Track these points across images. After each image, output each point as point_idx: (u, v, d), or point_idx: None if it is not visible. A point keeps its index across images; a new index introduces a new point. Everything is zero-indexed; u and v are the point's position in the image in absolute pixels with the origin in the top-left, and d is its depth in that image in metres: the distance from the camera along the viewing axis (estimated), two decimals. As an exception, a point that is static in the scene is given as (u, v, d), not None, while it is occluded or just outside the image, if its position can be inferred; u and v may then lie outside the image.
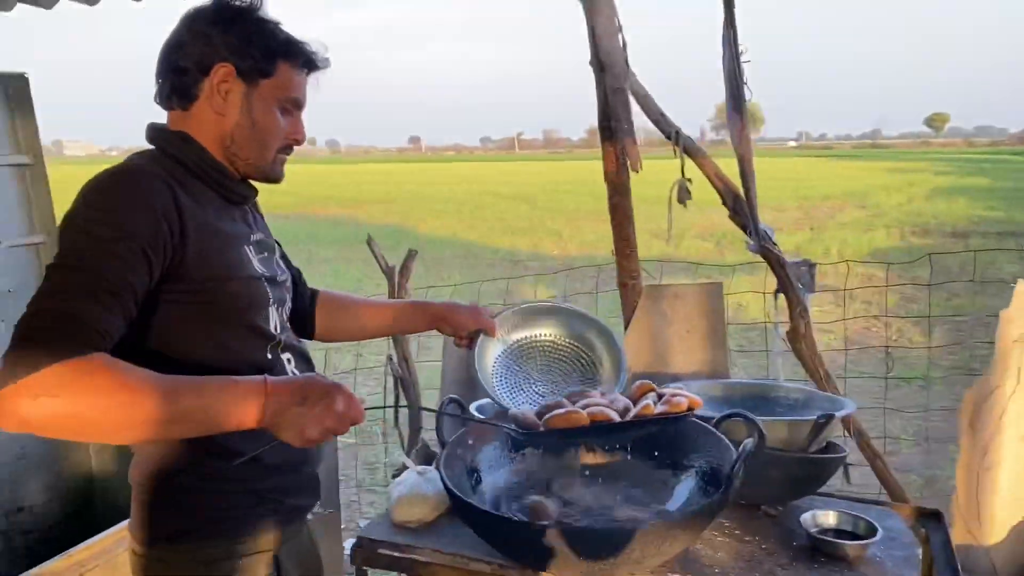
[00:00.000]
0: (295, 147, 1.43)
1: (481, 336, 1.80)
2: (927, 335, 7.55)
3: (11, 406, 1.01)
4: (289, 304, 1.52)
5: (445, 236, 16.35)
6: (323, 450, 1.53)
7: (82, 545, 1.61)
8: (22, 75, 2.52)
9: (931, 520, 1.91)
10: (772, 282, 2.35)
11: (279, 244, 1.65)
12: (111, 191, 1.20)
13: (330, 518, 2.23)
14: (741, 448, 1.48)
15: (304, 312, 1.69)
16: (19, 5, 2.57)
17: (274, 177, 1.42)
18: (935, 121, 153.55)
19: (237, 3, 1.33)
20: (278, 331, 1.41)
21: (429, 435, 3.30)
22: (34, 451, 2.52)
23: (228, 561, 1.32)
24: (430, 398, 3.53)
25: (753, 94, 1.97)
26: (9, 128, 2.49)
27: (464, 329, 1.79)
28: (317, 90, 1.44)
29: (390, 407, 2.80)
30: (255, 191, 1.46)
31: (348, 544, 1.98)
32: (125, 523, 1.71)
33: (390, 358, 2.80)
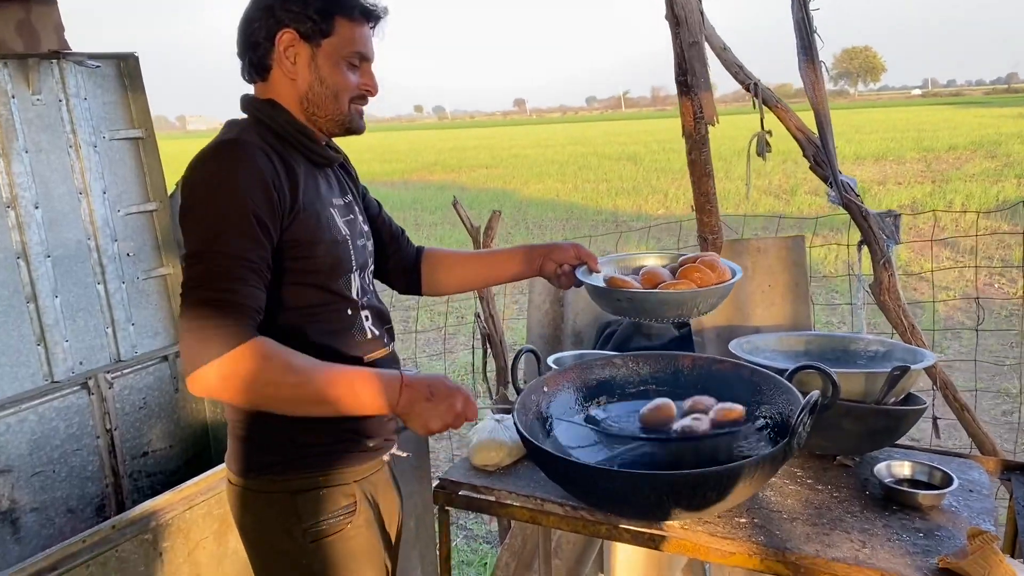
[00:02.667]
0: (370, 96, 1.51)
1: (582, 271, 1.79)
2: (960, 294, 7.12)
3: (204, 382, 1.23)
4: (372, 267, 1.62)
5: (548, 198, 16.37)
6: None
7: (191, 481, 1.77)
8: (133, 55, 2.71)
9: (1017, 472, 1.87)
10: (855, 235, 2.30)
11: (380, 204, 1.76)
12: (225, 166, 1.31)
13: (420, 464, 2.35)
14: (807, 399, 1.49)
15: (410, 268, 1.80)
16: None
17: (355, 128, 1.51)
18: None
19: None
20: (359, 294, 1.52)
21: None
22: (155, 402, 2.75)
23: (311, 491, 1.44)
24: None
25: (824, 43, 1.92)
26: (124, 104, 2.70)
27: (566, 262, 1.79)
28: (382, 39, 1.51)
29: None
30: (340, 154, 1.56)
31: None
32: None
33: (477, 315, 2.91)
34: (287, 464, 1.44)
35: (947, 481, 1.69)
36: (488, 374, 3.05)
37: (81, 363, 2.56)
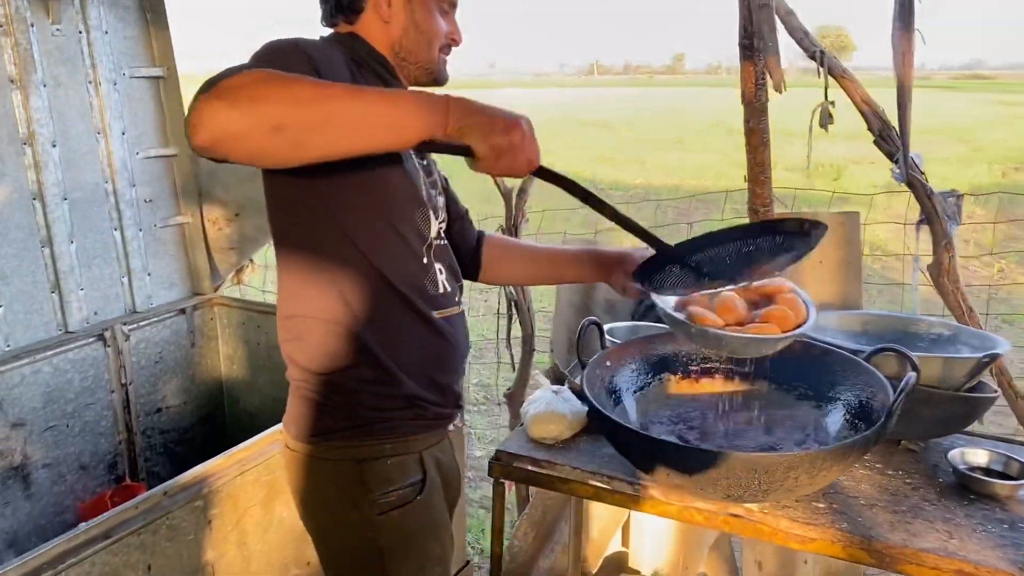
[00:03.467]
0: (455, 45, 1.44)
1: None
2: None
3: (202, 111, 1.01)
4: (444, 220, 1.53)
5: (525, 162, 16.18)
6: (464, 365, 1.55)
7: (242, 445, 1.68)
8: (156, -14, 2.55)
9: (1083, 464, 1.85)
10: (912, 215, 2.25)
11: (447, 178, 1.65)
12: (298, 41, 1.21)
13: (457, 432, 2.28)
14: (904, 382, 1.44)
15: (470, 252, 1.70)
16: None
17: (442, 78, 1.43)
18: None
19: None
20: (432, 234, 1.43)
21: (542, 357, 3.34)
22: (170, 356, 2.64)
23: (377, 460, 1.36)
24: (542, 321, 3.59)
25: (924, 7, 1.83)
26: (146, 40, 2.53)
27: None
28: None
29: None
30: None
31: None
32: (278, 425, 1.79)
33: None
34: (354, 430, 1.36)
35: (1023, 472, 1.66)
36: (512, 344, 2.97)
37: (96, 313, 2.43)
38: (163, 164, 2.62)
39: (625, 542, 2.73)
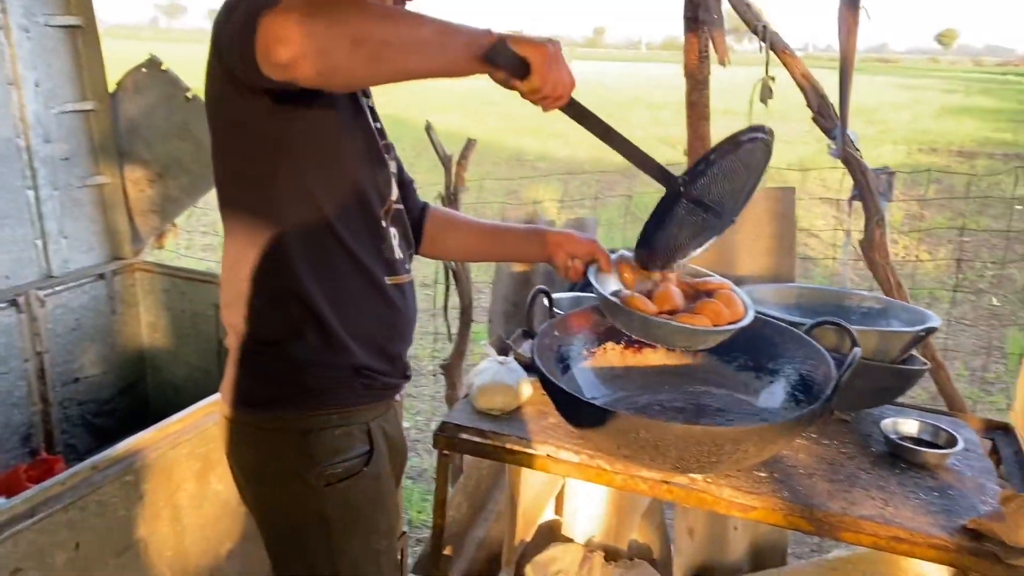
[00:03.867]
0: None
1: (593, 270, 1.68)
2: (932, 253, 7.60)
3: (281, 27, 0.99)
4: (396, 187, 1.48)
5: (450, 131, 16.01)
6: (413, 335, 1.52)
7: (175, 417, 1.61)
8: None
9: (1000, 432, 1.94)
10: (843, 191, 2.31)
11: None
12: None
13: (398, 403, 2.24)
14: (851, 357, 1.48)
15: (414, 223, 1.63)
16: None
17: None
18: (944, 37, 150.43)
19: None
20: (392, 196, 1.40)
21: (477, 328, 3.31)
22: (89, 324, 2.50)
23: (324, 431, 1.33)
24: (481, 294, 3.55)
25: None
26: (61, -15, 2.37)
27: (579, 256, 1.67)
28: None
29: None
30: None
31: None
32: (213, 397, 1.72)
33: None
34: (300, 400, 1.32)
35: (951, 441, 1.72)
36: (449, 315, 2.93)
37: (7, 277, 2.28)
38: (80, 120, 2.46)
39: (559, 511, 2.75)
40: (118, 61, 2.82)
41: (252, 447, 1.35)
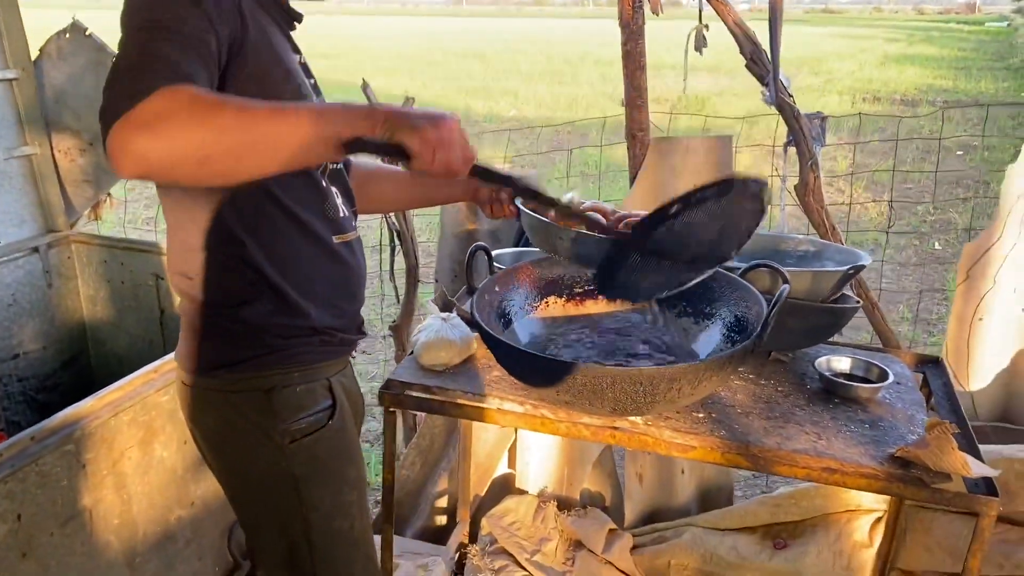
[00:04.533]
0: None
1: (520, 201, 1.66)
2: (877, 199, 7.75)
3: (125, 143, 0.98)
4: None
5: (398, 94, 15.77)
6: (364, 290, 1.52)
7: (115, 385, 1.59)
8: None
9: (931, 365, 2.01)
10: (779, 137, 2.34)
11: None
12: None
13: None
14: (778, 295, 1.51)
15: None
16: None
17: None
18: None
19: None
20: (327, 169, 1.39)
21: (426, 288, 3.31)
22: (25, 299, 2.45)
23: (287, 388, 1.33)
24: (431, 257, 3.54)
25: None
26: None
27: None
28: None
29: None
30: (300, 18, 1.39)
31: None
32: (155, 363, 1.71)
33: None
34: (260, 360, 1.32)
35: (883, 375, 1.78)
36: (396, 276, 2.93)
37: (-66, 254, 2.22)
38: (2, 89, 2.38)
39: (512, 464, 2.79)
40: (43, 29, 2.73)
41: (215, 410, 1.35)
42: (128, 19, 1.09)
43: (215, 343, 1.32)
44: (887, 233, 3.97)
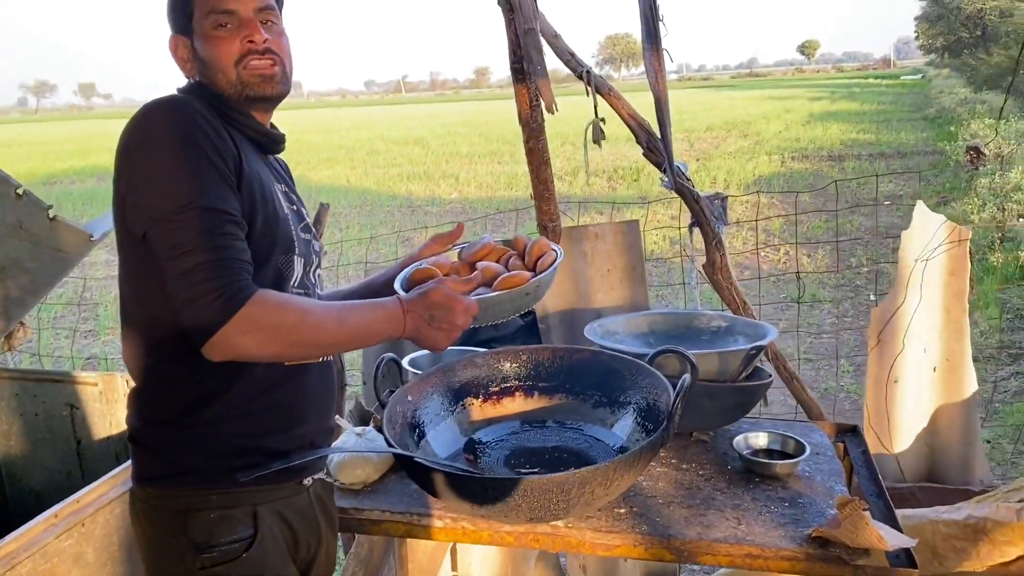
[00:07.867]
0: (257, 50, 1.35)
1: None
2: (811, 258, 7.95)
3: (233, 348, 1.19)
4: (318, 266, 1.50)
5: (339, 185, 15.91)
6: (325, 417, 1.50)
7: (8, 537, 1.51)
8: None
9: (849, 434, 2.03)
10: (684, 218, 2.39)
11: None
12: (180, 118, 1.24)
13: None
14: (680, 384, 1.50)
15: None
16: None
17: (255, 93, 1.36)
18: (807, 48, 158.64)
19: None
20: (298, 283, 1.39)
21: (349, 392, 3.26)
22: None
23: (202, 511, 1.30)
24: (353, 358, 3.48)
25: (668, 31, 1.96)
26: None
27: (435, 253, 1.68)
28: None
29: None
30: (282, 140, 1.46)
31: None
32: (52, 509, 1.64)
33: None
34: (179, 477, 1.30)
35: (799, 448, 1.79)
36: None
37: None
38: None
39: (455, 566, 2.72)
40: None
41: (140, 522, 1.35)
42: (161, 191, 1.20)
43: (142, 454, 1.34)
44: (798, 303, 4.04)
